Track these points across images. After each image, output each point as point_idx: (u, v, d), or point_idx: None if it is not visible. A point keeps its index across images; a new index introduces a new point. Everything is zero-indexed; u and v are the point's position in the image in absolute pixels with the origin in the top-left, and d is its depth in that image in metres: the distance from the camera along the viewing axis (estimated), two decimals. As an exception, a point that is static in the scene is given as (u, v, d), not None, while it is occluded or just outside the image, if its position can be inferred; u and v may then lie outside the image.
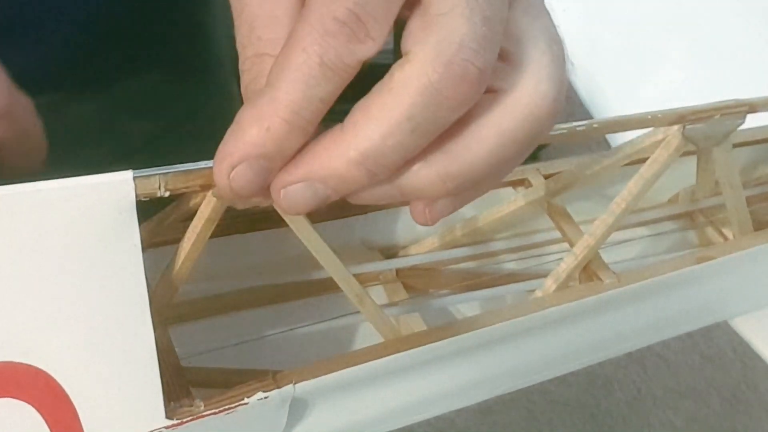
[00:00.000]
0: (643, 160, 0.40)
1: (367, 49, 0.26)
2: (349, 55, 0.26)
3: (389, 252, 0.43)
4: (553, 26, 0.30)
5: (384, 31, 0.26)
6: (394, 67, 0.27)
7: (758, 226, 0.46)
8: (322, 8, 0.26)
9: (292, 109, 0.26)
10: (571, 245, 0.40)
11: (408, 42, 0.27)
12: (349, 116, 0.27)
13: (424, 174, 0.28)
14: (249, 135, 0.26)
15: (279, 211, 0.31)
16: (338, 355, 0.34)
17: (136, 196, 0.27)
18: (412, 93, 0.26)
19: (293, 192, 0.27)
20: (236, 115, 0.27)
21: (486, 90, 0.27)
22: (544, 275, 0.39)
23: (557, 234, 0.42)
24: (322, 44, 0.25)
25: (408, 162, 0.27)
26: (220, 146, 0.27)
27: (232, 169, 0.26)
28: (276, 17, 0.28)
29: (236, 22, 0.29)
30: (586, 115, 0.70)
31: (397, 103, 0.26)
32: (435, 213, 0.29)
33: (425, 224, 0.30)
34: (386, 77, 0.27)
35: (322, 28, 0.26)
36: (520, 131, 0.28)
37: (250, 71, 0.28)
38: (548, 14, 0.30)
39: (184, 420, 0.30)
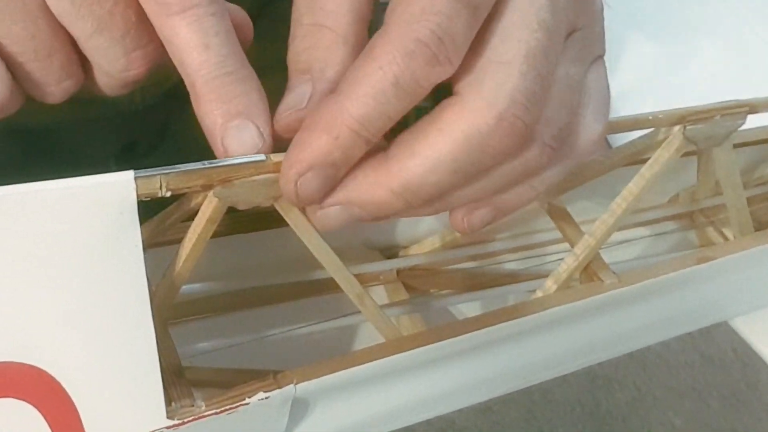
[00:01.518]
0: (644, 161, 0.40)
1: (444, 72, 0.27)
2: (424, 79, 0.26)
3: (390, 252, 0.43)
4: (584, 74, 0.30)
5: (462, 55, 0.27)
6: (444, 104, 0.27)
7: (759, 226, 0.46)
8: (403, 27, 0.26)
9: (361, 121, 0.26)
10: (572, 245, 0.40)
11: (460, 80, 0.27)
12: (394, 146, 0.28)
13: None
14: (317, 143, 0.27)
15: (280, 211, 0.31)
16: (339, 355, 0.34)
17: (138, 196, 0.27)
18: (459, 137, 0.27)
19: (331, 213, 0.29)
20: (303, 122, 0.28)
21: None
22: (545, 275, 0.39)
23: (558, 234, 0.42)
24: (400, 65, 0.26)
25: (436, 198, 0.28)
26: (288, 152, 0.28)
27: (300, 176, 0.27)
28: None
29: None
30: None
31: (444, 144, 0.27)
32: (473, 222, 0.31)
33: (463, 232, 0.31)
34: (435, 113, 0.27)
35: (402, 47, 0.26)
36: (514, 169, 0.29)
37: (305, 39, 0.29)
38: (588, 61, 0.30)
39: (185, 420, 0.30)
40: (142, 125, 0.53)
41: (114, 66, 0.29)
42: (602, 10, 0.32)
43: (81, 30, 0.28)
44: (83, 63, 0.30)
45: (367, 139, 0.27)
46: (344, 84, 0.27)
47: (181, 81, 0.30)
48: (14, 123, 0.30)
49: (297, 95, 0.29)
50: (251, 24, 0.31)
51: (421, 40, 0.26)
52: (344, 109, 0.26)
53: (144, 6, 0.27)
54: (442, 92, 0.29)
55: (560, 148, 0.30)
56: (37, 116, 0.48)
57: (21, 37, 0.28)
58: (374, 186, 0.28)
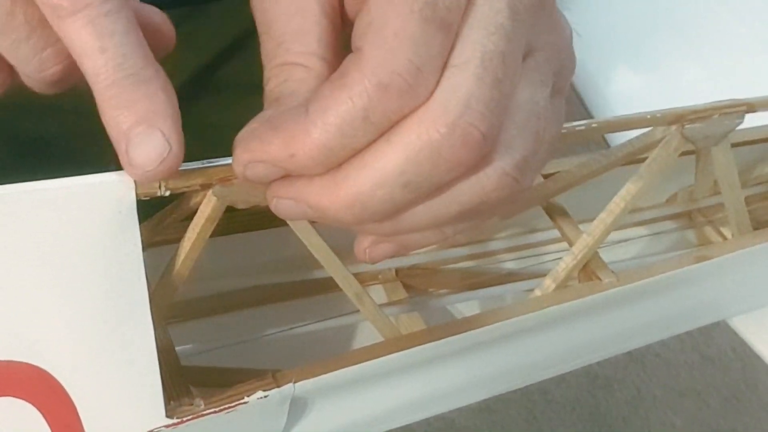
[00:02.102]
0: (642, 160, 0.40)
1: (418, 102, 0.25)
2: (396, 111, 0.25)
3: (389, 251, 0.43)
4: (547, 100, 0.28)
5: (438, 77, 0.25)
6: None
7: (757, 225, 0.46)
8: (379, 55, 0.25)
9: (321, 150, 0.25)
10: (570, 245, 0.40)
11: None
12: (347, 161, 0.26)
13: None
14: (274, 150, 0.26)
15: (282, 219, 0.31)
16: (338, 354, 0.34)
17: (137, 195, 0.27)
18: (409, 148, 0.25)
19: (284, 204, 0.28)
20: (273, 115, 0.27)
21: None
22: (543, 275, 0.40)
23: (556, 233, 0.42)
24: (371, 98, 0.25)
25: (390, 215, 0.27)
26: (247, 138, 0.27)
27: (250, 164, 0.27)
28: (305, 31, 0.28)
29: (262, 38, 0.28)
30: (586, 115, 0.70)
31: (392, 155, 0.25)
32: (375, 253, 0.29)
33: (364, 261, 0.30)
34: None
35: (376, 79, 0.25)
36: (472, 200, 0.27)
37: (277, 77, 0.28)
38: (551, 86, 0.28)
39: (185, 419, 0.30)
40: None
41: (28, 67, 0.28)
42: (571, 37, 0.30)
43: None
44: (10, 65, 0.28)
45: (324, 165, 0.26)
46: (312, 106, 0.26)
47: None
48: (7, 131, 0.29)
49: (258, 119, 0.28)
50: (172, 28, 0.30)
51: (396, 71, 0.24)
52: (307, 132, 0.25)
53: (41, 9, 0.26)
54: None
55: (522, 179, 0.27)
56: (31, 126, 0.48)
57: None
58: (324, 193, 0.26)
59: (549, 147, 0.29)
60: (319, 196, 0.27)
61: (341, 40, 0.28)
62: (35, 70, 0.28)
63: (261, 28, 0.28)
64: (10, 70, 0.29)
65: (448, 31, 0.25)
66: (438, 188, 0.26)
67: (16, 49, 0.27)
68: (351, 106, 0.25)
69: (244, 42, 0.48)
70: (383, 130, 0.25)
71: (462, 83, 0.25)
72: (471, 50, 0.25)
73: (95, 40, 0.26)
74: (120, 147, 0.26)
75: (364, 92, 0.25)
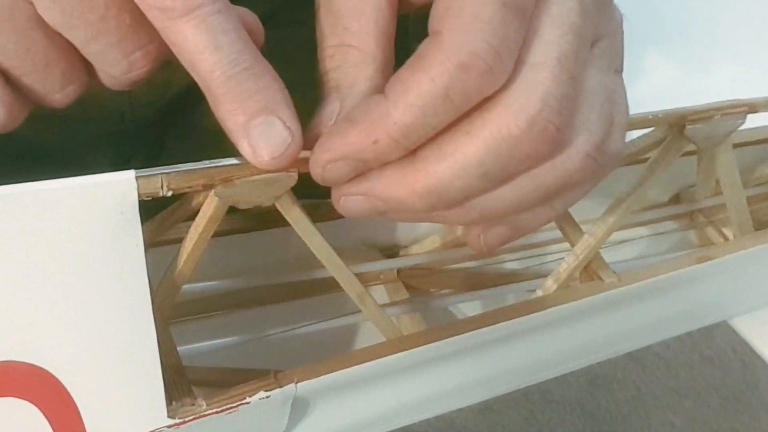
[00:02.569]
0: (644, 160, 0.40)
1: (497, 83, 0.26)
2: (476, 92, 0.26)
3: (390, 252, 0.44)
4: (615, 84, 0.30)
5: (514, 62, 0.26)
6: (477, 107, 0.26)
7: (758, 226, 0.46)
8: (456, 36, 0.25)
9: (404, 131, 0.26)
10: (572, 245, 0.40)
11: None
12: (422, 147, 0.27)
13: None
14: (355, 140, 0.27)
15: (281, 210, 0.31)
16: (339, 354, 0.34)
17: (139, 195, 0.27)
18: (489, 141, 0.26)
19: (353, 202, 0.28)
20: (348, 111, 0.27)
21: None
22: (545, 275, 0.40)
23: (558, 234, 0.42)
24: (452, 77, 0.25)
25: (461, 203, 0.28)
26: (326, 138, 0.27)
27: (330, 163, 0.27)
28: (363, 11, 0.28)
29: (320, 13, 0.29)
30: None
31: (472, 147, 0.26)
32: (487, 242, 0.30)
33: (479, 252, 0.31)
34: (466, 116, 0.26)
35: (456, 59, 0.25)
36: (550, 181, 0.28)
37: (333, 59, 0.28)
38: (614, 70, 0.30)
39: (186, 419, 0.30)
40: (136, 143, 0.52)
41: (116, 69, 0.28)
42: (622, 23, 0.32)
43: (76, 38, 0.27)
44: (87, 66, 0.29)
45: (405, 148, 0.27)
46: (392, 89, 0.26)
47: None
48: (4, 136, 0.30)
49: (326, 113, 0.28)
50: (262, 27, 0.30)
51: (475, 52, 0.25)
52: (389, 115, 0.26)
53: (146, 12, 0.27)
54: None
55: (602, 159, 0.29)
56: (31, 131, 0.48)
57: (16, 53, 0.27)
58: (399, 184, 0.27)
59: (623, 126, 0.30)
60: (394, 188, 0.27)
61: (395, 25, 0.29)
62: (122, 72, 0.29)
63: (320, 3, 0.29)
64: (90, 71, 0.29)
65: (523, 17, 0.26)
66: (510, 176, 0.27)
67: (106, 53, 0.28)
68: (432, 86, 0.25)
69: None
70: (463, 110, 0.26)
71: (540, 81, 0.26)
72: (547, 50, 0.27)
73: (209, 38, 0.26)
74: (240, 141, 0.27)
75: (445, 72, 0.25)
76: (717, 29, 0.76)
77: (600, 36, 0.29)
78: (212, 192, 0.29)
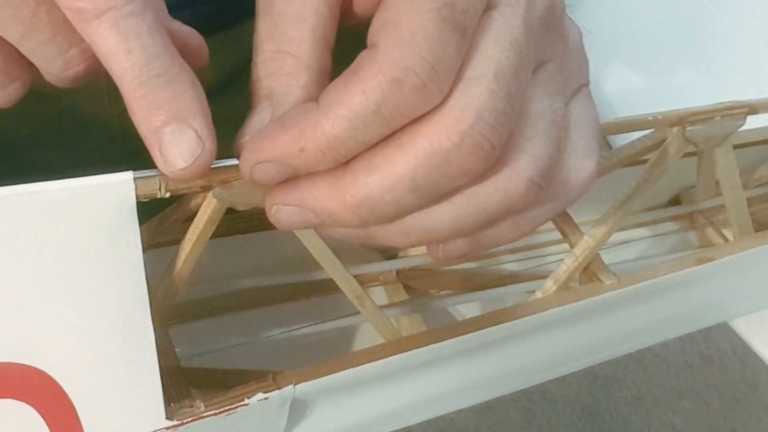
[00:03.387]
0: (644, 162, 0.40)
1: (432, 101, 0.25)
2: (409, 108, 0.25)
3: (389, 253, 0.43)
4: (565, 108, 0.29)
5: (451, 82, 0.25)
6: (411, 120, 0.26)
7: (758, 227, 0.46)
8: (392, 50, 0.25)
9: (332, 144, 0.26)
10: (572, 246, 0.40)
11: None
12: (355, 158, 0.26)
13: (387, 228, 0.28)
14: (283, 145, 0.26)
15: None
16: (338, 356, 0.34)
17: (137, 197, 0.27)
18: (420, 155, 0.26)
19: (284, 212, 0.28)
20: (281, 115, 0.27)
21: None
22: (545, 276, 0.39)
23: (557, 235, 0.42)
24: (384, 92, 0.25)
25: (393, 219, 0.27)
26: (255, 139, 0.27)
27: (257, 164, 0.27)
28: (303, 18, 0.28)
29: (259, 17, 0.29)
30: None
31: (403, 160, 0.26)
32: (449, 252, 0.30)
33: (438, 262, 0.30)
34: (400, 129, 0.26)
35: (390, 73, 0.25)
36: (490, 204, 0.27)
37: (266, 65, 0.28)
38: (568, 93, 0.29)
39: (185, 421, 0.30)
40: (122, 148, 0.52)
41: (53, 66, 0.28)
42: (580, 39, 0.31)
43: (9, 35, 0.27)
44: (29, 64, 0.28)
45: (334, 160, 0.26)
46: (325, 98, 0.26)
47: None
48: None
49: (256, 121, 0.28)
50: (205, 45, 0.30)
51: (410, 67, 0.25)
52: (318, 125, 0.25)
53: (65, 13, 0.26)
54: None
55: (548, 186, 0.28)
56: (13, 133, 0.48)
57: None
58: (329, 196, 0.27)
59: (581, 152, 0.29)
60: (324, 199, 0.27)
61: (335, 35, 0.29)
62: (60, 70, 0.28)
63: (261, 6, 0.29)
64: (31, 68, 0.29)
65: (463, 33, 0.25)
66: (444, 194, 0.27)
67: (41, 50, 0.27)
68: (364, 99, 0.25)
69: (239, 76, 0.48)
70: (394, 127, 0.26)
71: (476, 95, 0.25)
72: (486, 65, 0.26)
73: (121, 42, 0.26)
74: (152, 146, 0.26)
75: (378, 87, 0.25)
76: (718, 30, 0.76)
77: (547, 59, 0.29)
78: (210, 193, 0.29)
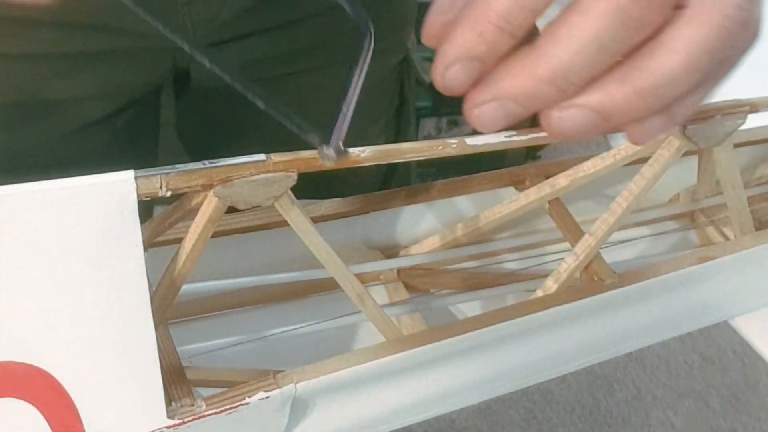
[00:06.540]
0: (644, 160, 0.40)
1: None
2: None
3: (390, 252, 0.43)
4: None
5: None
6: None
7: (759, 225, 0.46)
8: None
9: (504, 16, 0.27)
10: (572, 245, 0.40)
11: None
12: (539, 39, 0.28)
13: (620, 93, 0.28)
14: (462, 38, 0.28)
15: (280, 210, 0.31)
16: (339, 355, 0.34)
17: (138, 195, 0.27)
18: (600, 14, 0.27)
19: (486, 112, 0.29)
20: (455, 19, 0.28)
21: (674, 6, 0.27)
22: (545, 275, 0.39)
23: (558, 234, 0.42)
24: None
25: (604, 86, 0.28)
26: (439, 47, 0.28)
27: (447, 69, 0.28)
28: None
29: None
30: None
31: (585, 24, 0.27)
32: (647, 132, 0.30)
33: (642, 144, 0.30)
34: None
35: None
36: (710, 42, 0.28)
37: None
38: None
39: (186, 420, 0.30)
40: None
41: None
42: None
43: None
44: None
45: (511, 34, 0.27)
46: None
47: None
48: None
49: (442, 1, 0.29)
50: None
51: None
52: (488, 6, 0.27)
53: None
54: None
55: (752, 19, 0.29)
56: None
57: None
58: (523, 76, 0.28)
59: None
60: (519, 80, 0.28)
61: None
62: None
63: None
64: None
65: None
66: (631, 48, 0.28)
67: None
68: None
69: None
70: None
71: None
72: None
73: None
74: None
75: None
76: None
77: None
78: (211, 192, 0.29)
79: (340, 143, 0.29)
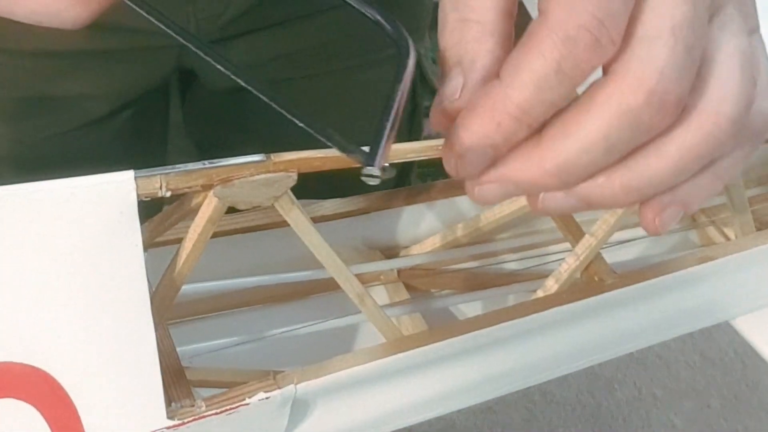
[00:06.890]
0: (645, 160, 0.40)
1: (606, 54, 0.27)
2: (586, 63, 0.27)
3: (391, 252, 0.43)
4: (752, 47, 0.30)
5: (622, 33, 0.27)
6: (594, 84, 0.28)
7: (760, 226, 0.46)
8: (563, 13, 0.26)
9: (523, 108, 0.27)
10: (573, 245, 0.39)
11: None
12: (547, 127, 0.28)
13: (607, 189, 0.29)
14: (479, 128, 0.28)
15: (280, 211, 0.31)
16: (340, 355, 0.34)
17: (138, 196, 0.27)
18: (611, 116, 0.27)
19: (488, 191, 0.29)
20: (467, 105, 0.28)
21: None
22: (546, 275, 0.39)
23: (559, 234, 0.42)
24: (562, 51, 0.26)
25: (594, 178, 0.29)
26: (451, 132, 0.29)
27: (461, 156, 0.28)
28: None
29: None
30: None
31: (595, 123, 0.27)
32: (664, 221, 0.31)
33: (655, 234, 0.31)
34: (586, 93, 0.28)
35: (563, 33, 0.26)
36: (699, 148, 0.28)
37: (453, 34, 0.29)
38: (749, 32, 0.30)
39: (186, 420, 0.30)
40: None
41: None
42: None
43: None
44: None
45: (528, 125, 0.28)
46: (505, 71, 0.27)
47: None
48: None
49: (451, 87, 0.29)
50: None
51: (582, 25, 0.26)
52: (506, 96, 0.27)
53: None
54: None
55: (744, 126, 0.29)
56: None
57: None
58: (529, 166, 0.28)
59: (762, 90, 0.30)
60: (525, 169, 0.28)
61: (516, 5, 0.30)
62: None
63: None
64: None
65: None
66: (635, 149, 0.28)
67: None
68: (543, 61, 0.26)
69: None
70: (577, 83, 0.27)
71: (655, 54, 0.27)
72: (660, 22, 0.27)
73: None
74: None
75: (554, 47, 0.26)
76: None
77: (723, 3, 0.30)
78: (211, 192, 0.29)
79: (384, 162, 0.29)
